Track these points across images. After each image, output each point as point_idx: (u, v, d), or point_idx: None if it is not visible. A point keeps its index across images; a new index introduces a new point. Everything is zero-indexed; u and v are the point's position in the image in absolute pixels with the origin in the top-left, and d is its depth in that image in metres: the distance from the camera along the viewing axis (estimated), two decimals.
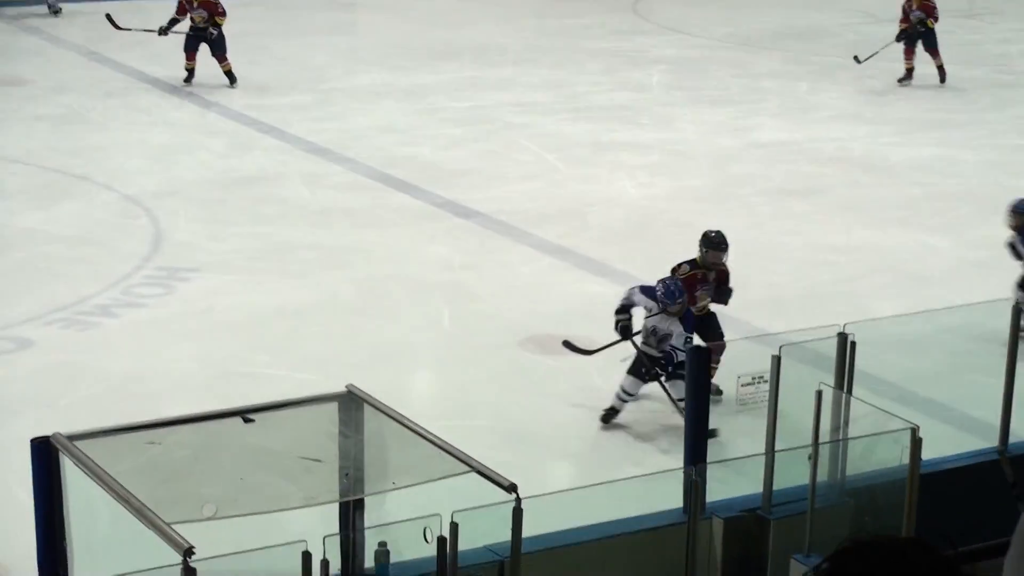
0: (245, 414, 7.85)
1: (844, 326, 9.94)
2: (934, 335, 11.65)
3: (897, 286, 14.20)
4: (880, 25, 25.98)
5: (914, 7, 22.05)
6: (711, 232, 11.83)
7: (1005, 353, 9.91)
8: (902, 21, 22.26)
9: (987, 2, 29.44)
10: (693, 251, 11.89)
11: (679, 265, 11.70)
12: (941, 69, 22.31)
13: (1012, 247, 12.56)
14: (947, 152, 19.12)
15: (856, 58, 22.74)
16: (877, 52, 22.47)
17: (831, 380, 9.49)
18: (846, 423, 9.89)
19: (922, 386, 11.63)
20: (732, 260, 11.97)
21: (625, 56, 24.89)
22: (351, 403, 7.94)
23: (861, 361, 10.12)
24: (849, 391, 10.03)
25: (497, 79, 22.85)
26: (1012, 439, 9.89)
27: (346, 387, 8.05)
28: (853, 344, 10.01)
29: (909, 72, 22.32)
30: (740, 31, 26.78)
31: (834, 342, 9.56)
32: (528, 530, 7.72)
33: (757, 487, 9.15)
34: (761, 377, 9.41)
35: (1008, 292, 11.97)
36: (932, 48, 22.23)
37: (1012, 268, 14.45)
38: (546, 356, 12.58)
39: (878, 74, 22.89)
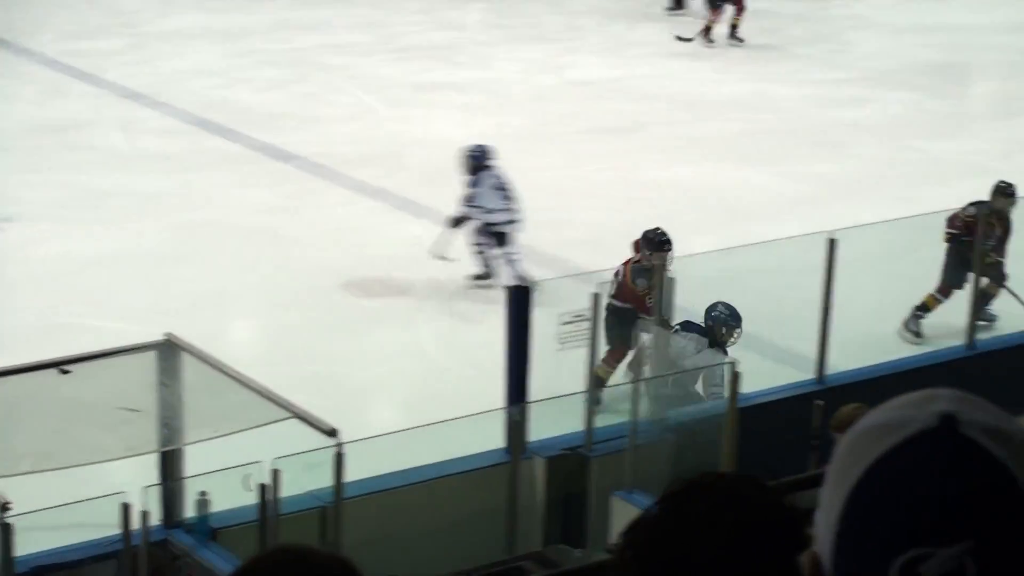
0: (62, 366, 7.74)
1: (670, 262, 10.05)
2: (752, 269, 11.82)
3: (715, 221, 14.39)
4: None
5: None
6: (651, 232, 11.04)
7: (822, 289, 10.12)
8: None
9: None
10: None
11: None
12: (734, 28, 21.40)
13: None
14: (763, 87, 19.38)
15: (680, 37, 21.41)
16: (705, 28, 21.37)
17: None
18: (666, 360, 10.00)
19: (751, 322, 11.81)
20: (552, 198, 12.01)
21: None
22: (170, 352, 7.86)
23: (680, 297, 10.26)
24: (668, 327, 10.15)
25: (313, 20, 22.63)
26: (828, 371, 10.11)
27: (164, 335, 7.96)
28: (673, 280, 10.14)
29: (708, 30, 21.34)
30: None
31: None
32: (351, 475, 7.72)
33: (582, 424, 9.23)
34: (581, 315, 9.48)
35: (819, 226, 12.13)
36: (739, 3, 21.39)
37: (824, 201, 14.79)
38: (368, 300, 12.55)
39: (692, 13, 23.07)
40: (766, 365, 10.81)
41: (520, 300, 9.29)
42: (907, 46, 21.06)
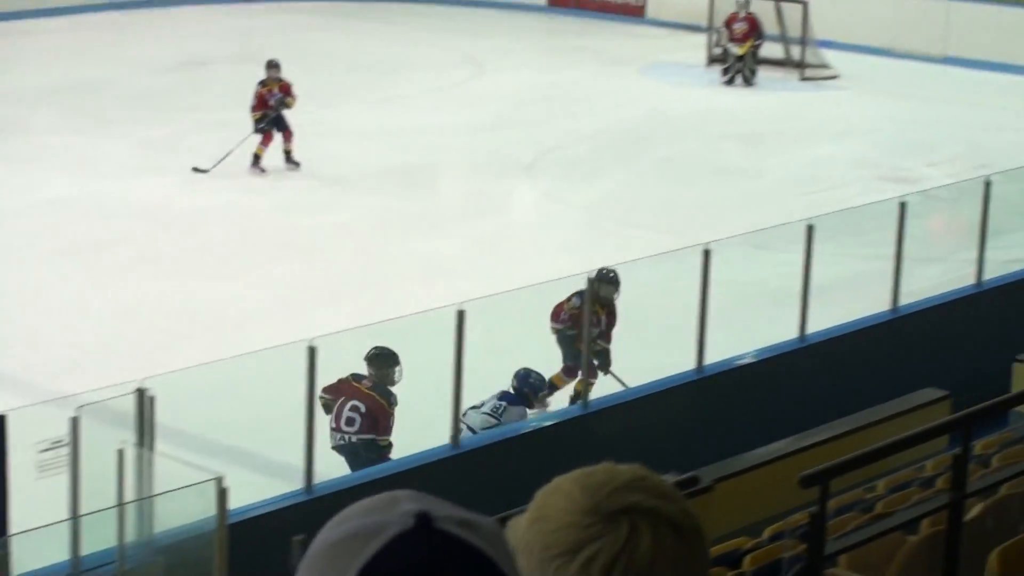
0: None
1: (143, 381, 9.89)
2: (236, 381, 11.76)
3: (197, 335, 14.27)
4: (154, 77, 26.10)
5: (275, 90, 20.63)
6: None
7: (305, 398, 10.15)
8: (258, 108, 20.66)
9: (263, 47, 30.11)
10: None
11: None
12: (289, 153, 20.73)
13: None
14: (234, 197, 19.38)
15: (198, 168, 20.33)
16: (228, 154, 20.26)
17: (134, 437, 9.41)
18: (151, 479, 9.83)
19: (227, 434, 11.72)
20: (22, 320, 11.64)
21: None
22: None
23: (164, 415, 10.10)
24: (152, 447, 9.98)
25: None
26: (316, 480, 10.13)
27: None
28: (152, 399, 9.98)
29: (258, 158, 20.60)
30: (13, 87, 26.02)
31: (132, 399, 9.48)
32: None
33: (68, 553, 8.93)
34: (60, 441, 9.20)
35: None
36: (286, 129, 20.73)
37: (302, 308, 14.90)
38: None
39: (158, 124, 22.91)
40: (255, 478, 10.75)
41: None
42: (374, 150, 21.53)
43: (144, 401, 9.90)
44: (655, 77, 27.73)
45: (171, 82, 25.90)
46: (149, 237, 17.74)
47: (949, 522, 7.36)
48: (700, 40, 28.87)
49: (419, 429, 11.87)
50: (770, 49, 28.04)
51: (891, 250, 13.69)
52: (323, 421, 10.48)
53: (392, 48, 29.42)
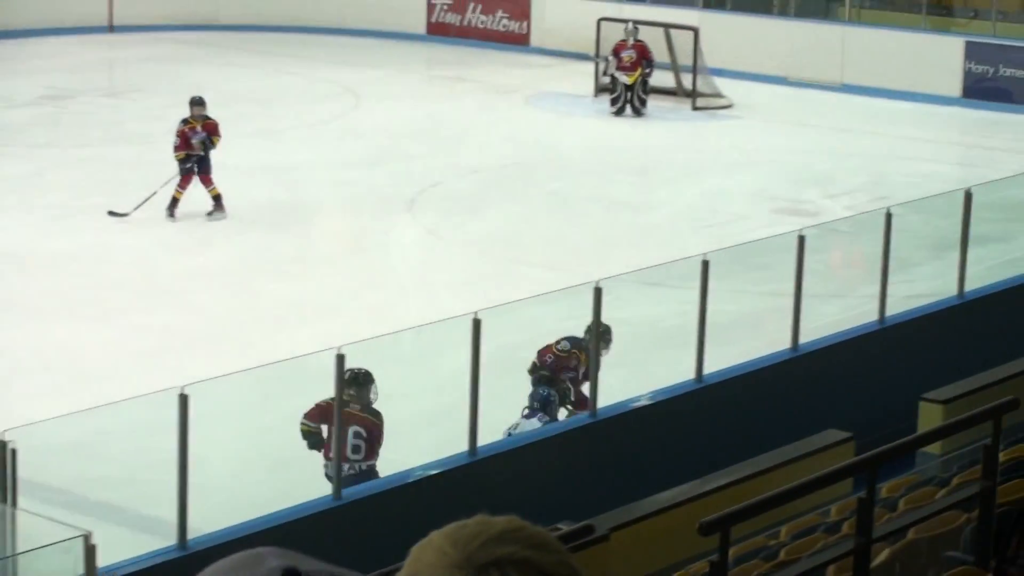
0: None
1: (3, 433, 9.77)
2: (103, 433, 11.65)
3: (57, 385, 14.10)
4: (12, 111, 25.83)
5: (198, 128, 20.26)
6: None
7: (178, 448, 10.07)
8: (181, 148, 20.25)
9: (129, 79, 29.92)
10: None
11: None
12: (218, 199, 20.26)
13: None
14: (101, 239, 19.19)
15: (113, 212, 19.93)
16: (150, 197, 20.00)
17: None
18: (14, 537, 9.72)
19: (94, 488, 11.60)
20: None
21: None
22: None
23: (26, 469, 9.98)
24: (14, 503, 9.86)
25: None
26: (191, 535, 10.05)
27: None
28: (14, 452, 9.86)
29: (176, 202, 20.17)
30: None
31: None
32: None
33: None
34: None
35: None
36: (207, 174, 20.31)
37: (173, 353, 14.78)
38: None
39: (17, 160, 22.68)
40: (125, 533, 10.64)
41: None
42: (248, 187, 21.41)
43: (5, 454, 9.78)
44: (541, 108, 27.92)
45: (31, 117, 25.66)
46: (7, 281, 17.53)
47: (855, 568, 7.45)
48: (587, 69, 29.11)
49: (300, 484, 11.81)
50: (660, 78, 28.30)
51: (790, 286, 13.84)
52: (203, 470, 10.37)
53: (265, 80, 29.40)
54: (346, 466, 11.29)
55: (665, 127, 26.90)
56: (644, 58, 27.59)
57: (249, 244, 19.21)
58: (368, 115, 26.98)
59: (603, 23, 29.17)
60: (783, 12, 31.98)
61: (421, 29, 34.32)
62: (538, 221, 20.71)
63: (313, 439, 11.50)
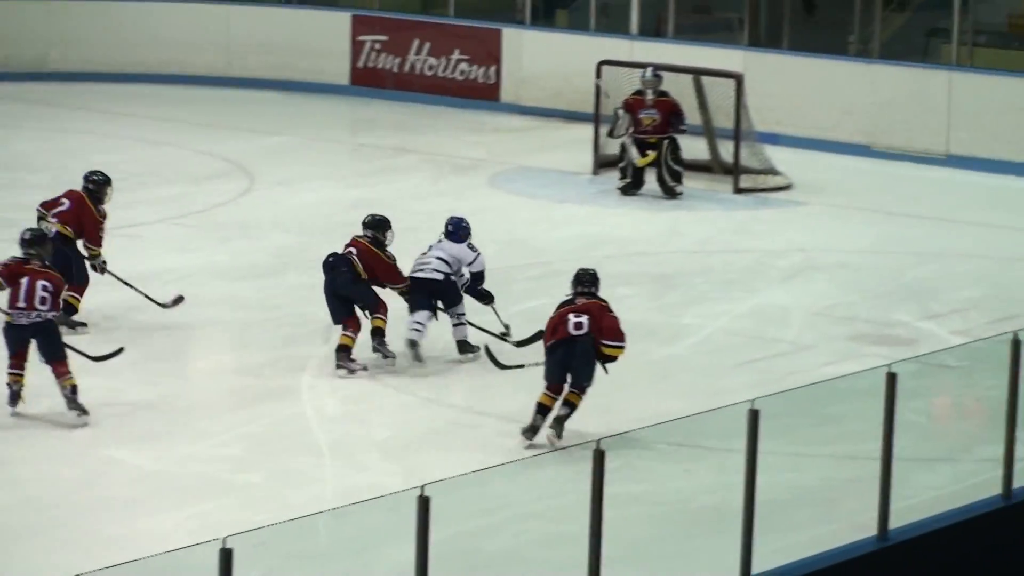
0: None
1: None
2: None
3: None
4: None
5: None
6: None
7: None
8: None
9: None
10: None
11: None
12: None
13: None
14: None
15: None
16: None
17: None
18: None
19: None
20: None
21: None
22: None
23: None
24: None
25: None
26: None
27: None
28: None
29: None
30: None
31: None
32: None
33: None
34: None
35: None
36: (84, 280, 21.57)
37: None
38: None
39: None
40: None
41: None
42: (93, 308, 21.41)
43: None
44: (516, 191, 28.01)
45: None
46: None
47: None
48: (582, 134, 29.12)
49: None
50: (690, 147, 28.09)
51: (876, 446, 13.89)
52: None
53: (111, 152, 29.13)
54: None
55: (696, 218, 26.91)
56: (671, 121, 27.44)
57: (98, 390, 19.10)
58: (266, 203, 26.99)
59: (605, 67, 29.09)
60: (863, 52, 31.91)
61: (343, 78, 34.54)
62: (513, 356, 20.66)
63: None
